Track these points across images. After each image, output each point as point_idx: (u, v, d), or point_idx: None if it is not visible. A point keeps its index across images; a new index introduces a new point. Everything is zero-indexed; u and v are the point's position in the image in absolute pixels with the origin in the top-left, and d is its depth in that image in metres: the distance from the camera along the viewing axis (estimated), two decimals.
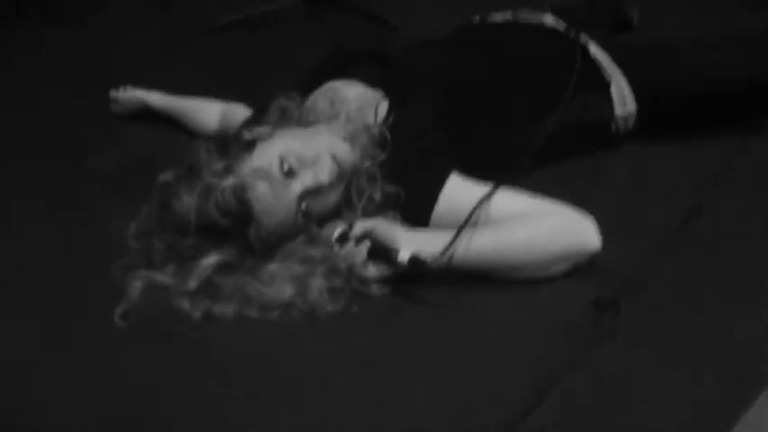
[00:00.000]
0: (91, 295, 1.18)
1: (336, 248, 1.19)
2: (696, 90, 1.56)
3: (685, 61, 1.59)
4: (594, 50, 1.57)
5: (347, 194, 1.25)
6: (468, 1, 1.82)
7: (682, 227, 1.23)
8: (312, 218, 1.21)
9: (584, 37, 1.59)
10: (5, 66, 2.33)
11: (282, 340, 1.08)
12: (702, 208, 1.29)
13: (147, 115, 1.85)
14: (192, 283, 1.14)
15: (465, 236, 1.15)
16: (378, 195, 1.24)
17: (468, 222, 1.15)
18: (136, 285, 1.16)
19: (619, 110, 1.56)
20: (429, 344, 1.05)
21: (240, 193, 1.14)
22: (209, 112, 1.73)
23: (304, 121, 1.33)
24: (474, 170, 1.28)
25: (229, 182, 1.14)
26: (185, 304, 1.13)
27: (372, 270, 1.16)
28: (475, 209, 1.17)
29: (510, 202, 1.21)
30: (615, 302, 1.04)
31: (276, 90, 1.40)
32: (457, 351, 1.03)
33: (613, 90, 1.55)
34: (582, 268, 1.16)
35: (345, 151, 1.24)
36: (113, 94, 1.88)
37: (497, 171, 1.26)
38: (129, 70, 2.14)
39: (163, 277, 1.17)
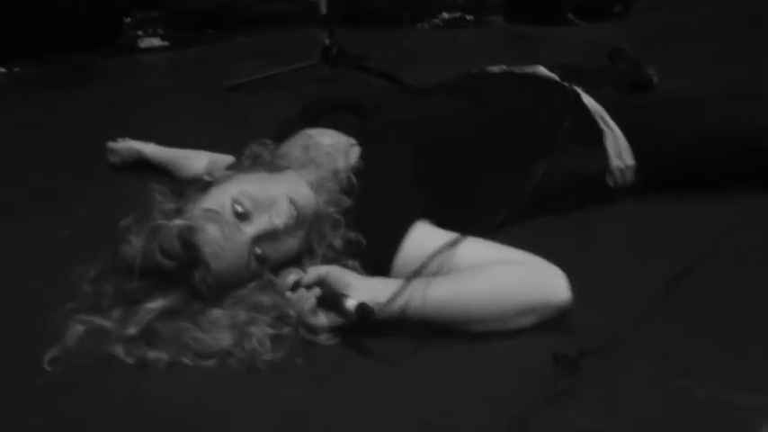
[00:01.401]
0: (31, 338, 1.13)
1: (288, 295, 1.12)
2: (697, 146, 1.47)
3: (688, 118, 1.51)
4: (588, 101, 1.50)
5: (308, 241, 1.19)
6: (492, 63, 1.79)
7: (663, 297, 1.13)
8: (267, 263, 1.15)
9: (577, 88, 1.53)
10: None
11: (213, 390, 1.00)
12: (689, 276, 1.18)
13: (143, 167, 1.84)
14: (132, 329, 1.08)
15: (422, 284, 1.06)
16: (339, 242, 1.17)
17: (422, 270, 1.07)
18: (75, 330, 1.11)
19: (614, 162, 1.48)
20: (366, 401, 0.96)
21: (187, 234, 1.08)
22: (197, 162, 1.70)
23: (275, 167, 1.28)
24: (450, 221, 1.21)
25: (176, 223, 1.09)
26: (119, 350, 1.07)
27: (322, 318, 1.09)
28: (431, 257, 1.09)
29: (476, 252, 1.13)
30: (574, 360, 0.94)
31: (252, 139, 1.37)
32: (395, 408, 0.94)
33: (608, 142, 1.47)
34: (549, 325, 1.06)
35: (306, 196, 1.18)
36: (110, 144, 1.88)
37: (473, 223, 1.19)
38: (144, 127, 2.17)
39: (105, 322, 1.12)
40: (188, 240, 1.08)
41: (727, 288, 1.19)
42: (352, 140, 1.33)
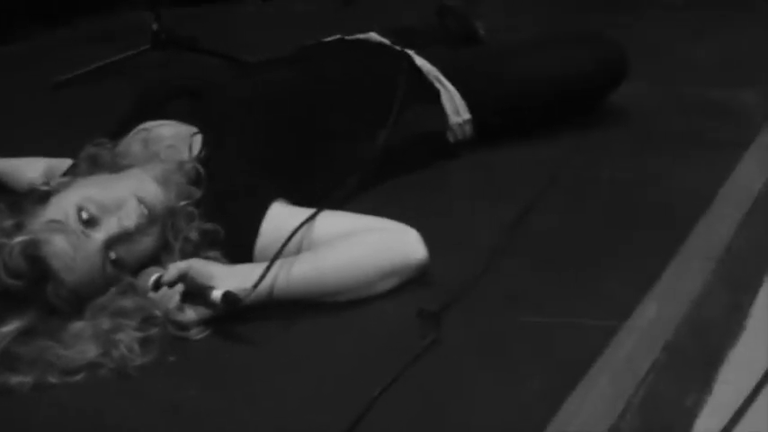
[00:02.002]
0: None
1: (151, 295, 1.10)
2: (524, 90, 1.56)
3: (510, 63, 1.60)
4: (421, 63, 1.55)
5: (164, 237, 1.17)
6: (326, 33, 1.80)
7: (509, 233, 1.21)
8: (124, 267, 1.13)
9: (410, 50, 1.58)
10: None
11: (90, 401, 0.98)
12: (532, 212, 1.27)
13: None
14: None
15: (285, 264, 1.08)
16: (195, 235, 1.17)
17: (282, 250, 1.09)
18: None
19: (453, 119, 1.55)
20: (248, 387, 0.97)
21: (32, 250, 1.04)
22: (31, 170, 1.61)
23: (117, 167, 1.24)
24: (303, 196, 1.23)
25: (18, 239, 1.04)
26: None
27: (189, 313, 1.08)
28: (289, 237, 1.11)
29: (332, 224, 1.16)
30: (436, 314, 0.99)
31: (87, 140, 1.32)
32: (274, 391, 0.96)
33: (444, 100, 1.54)
34: (411, 282, 1.11)
35: (154, 193, 1.16)
36: None
37: (326, 195, 1.22)
38: None
39: None
40: (34, 256, 1.04)
41: (564, 220, 1.29)
42: (193, 128, 1.31)
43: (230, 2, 3.76)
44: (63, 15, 3.63)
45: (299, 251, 1.13)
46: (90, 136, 1.94)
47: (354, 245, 1.11)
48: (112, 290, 1.12)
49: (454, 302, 1.03)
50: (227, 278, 1.08)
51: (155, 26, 2.60)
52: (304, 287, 1.09)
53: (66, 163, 1.59)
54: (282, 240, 1.13)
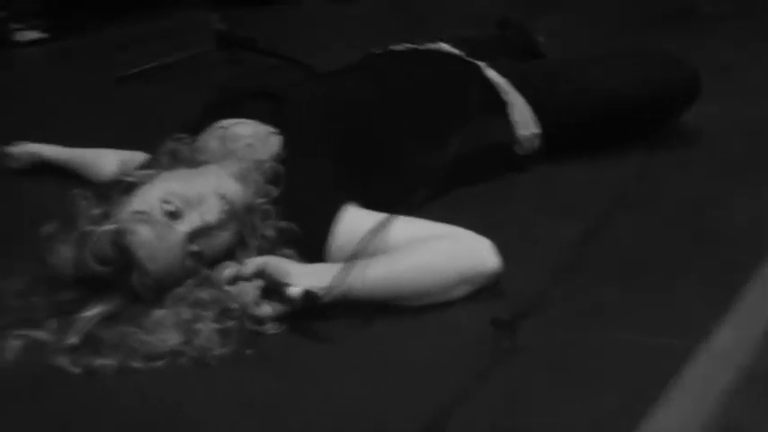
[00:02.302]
0: None
1: (228, 289, 1.13)
2: (594, 107, 1.57)
3: (581, 79, 1.61)
4: (491, 74, 1.57)
5: (240, 234, 1.20)
6: (383, 38, 1.82)
7: (581, 248, 1.21)
8: (202, 260, 1.16)
9: (480, 62, 1.59)
10: None
11: (169, 390, 1.00)
12: (603, 228, 1.27)
13: (44, 170, 1.78)
14: (73, 338, 1.07)
15: (360, 266, 1.10)
16: (271, 233, 1.19)
17: (360, 252, 1.11)
18: (12, 345, 1.08)
19: (521, 132, 1.56)
20: (323, 384, 0.99)
21: (118, 238, 1.07)
22: (106, 162, 1.66)
23: (195, 162, 1.28)
24: (374, 202, 1.25)
25: (106, 228, 1.08)
26: (64, 361, 1.05)
27: (266, 308, 1.11)
28: (366, 238, 1.13)
29: (406, 229, 1.17)
30: (512, 323, 1.00)
31: (167, 134, 1.35)
32: (347, 390, 0.97)
33: (513, 112, 1.55)
34: (484, 291, 1.12)
35: (234, 189, 1.19)
36: (6, 149, 1.80)
37: (398, 202, 1.24)
38: (31, 125, 2.08)
39: (42, 334, 1.09)
40: (121, 244, 1.08)
41: (636, 237, 1.30)
42: (271, 129, 1.34)
43: (287, 3, 3.81)
44: (122, 13, 3.72)
45: (372, 254, 1.14)
46: (150, 131, 2.01)
47: (430, 250, 1.13)
48: (190, 281, 1.15)
49: (528, 313, 1.04)
50: (303, 276, 1.11)
51: (220, 26, 2.65)
52: (379, 289, 1.11)
53: (137, 156, 1.63)
54: (355, 242, 1.15)
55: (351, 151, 1.33)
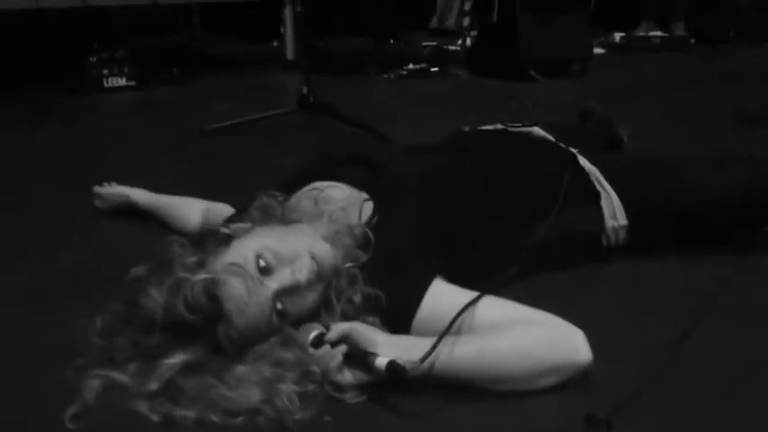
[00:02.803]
0: (43, 397, 1.09)
1: (311, 352, 1.12)
2: (685, 206, 1.54)
3: (677, 178, 1.58)
4: (583, 162, 1.56)
5: (326, 296, 1.19)
6: (456, 114, 1.83)
7: (675, 347, 1.17)
8: (287, 318, 1.15)
9: (573, 149, 1.59)
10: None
11: None
12: (696, 327, 1.23)
13: (129, 213, 1.82)
14: (154, 384, 1.06)
15: (447, 343, 1.08)
16: (357, 298, 1.18)
17: (450, 329, 1.09)
18: (92, 385, 1.08)
19: (609, 222, 1.53)
20: None
21: (211, 288, 1.08)
22: (191, 210, 1.69)
23: (287, 220, 1.29)
24: (459, 278, 1.24)
25: (200, 277, 1.08)
26: (143, 407, 1.05)
27: (348, 376, 1.09)
28: (458, 314, 1.11)
29: (496, 310, 1.15)
30: (606, 421, 0.96)
31: (259, 189, 1.37)
32: None
33: (603, 203, 1.53)
34: (571, 383, 1.09)
35: (326, 251, 1.19)
36: (97, 189, 1.85)
37: (483, 279, 1.22)
38: (118, 169, 2.14)
39: (123, 377, 1.09)
40: (213, 294, 1.08)
41: (728, 343, 1.25)
42: (364, 195, 1.35)
43: (367, 75, 3.90)
44: (205, 67, 3.85)
45: (457, 332, 1.12)
46: (232, 183, 2.05)
47: (522, 335, 1.10)
48: (273, 339, 1.14)
49: (620, 410, 1.00)
50: (390, 347, 1.09)
51: (303, 89, 2.72)
52: (465, 368, 1.08)
53: (222, 207, 1.66)
54: (442, 317, 1.14)
55: (441, 226, 1.32)
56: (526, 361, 1.08)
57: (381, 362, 1.04)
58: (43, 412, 1.06)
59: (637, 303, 1.42)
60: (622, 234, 1.55)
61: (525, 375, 1.08)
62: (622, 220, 1.54)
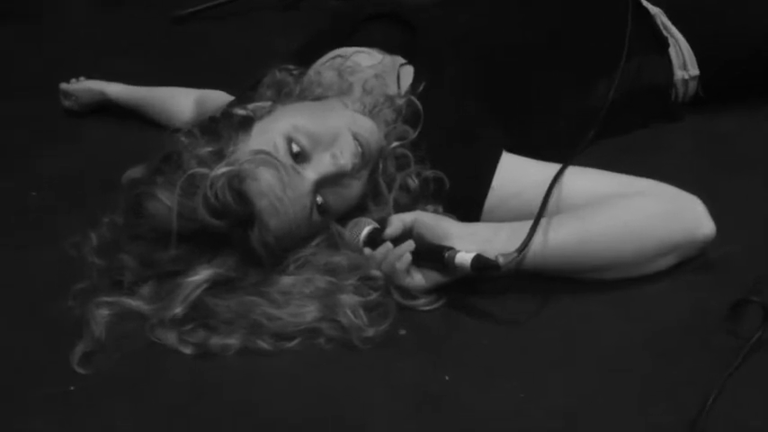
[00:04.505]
0: (41, 335, 0.87)
1: (367, 252, 0.90)
2: (759, 45, 1.30)
3: (743, 13, 1.34)
4: (647, 4, 1.31)
5: (374, 183, 0.97)
6: None
7: None
8: (330, 214, 0.93)
9: None
10: None
11: (308, 380, 0.78)
12: None
13: (105, 110, 1.55)
14: (178, 309, 0.84)
15: (539, 228, 0.87)
16: (413, 182, 0.96)
17: (543, 210, 0.88)
18: (100, 315, 0.86)
19: (678, 74, 1.30)
20: (506, 375, 0.77)
21: (237, 183, 0.84)
22: (181, 101, 1.44)
23: (308, 98, 1.04)
24: (519, 148, 1.01)
25: (222, 170, 0.84)
26: (170, 337, 0.83)
27: (419, 278, 0.88)
28: (550, 189, 0.90)
29: (585, 181, 0.94)
30: (765, 306, 0.77)
31: (267, 66, 1.11)
32: (543, 383, 0.75)
33: (671, 51, 1.29)
34: (691, 262, 0.89)
35: (370, 128, 0.95)
36: (64, 86, 1.57)
37: (547, 148, 1.00)
38: (84, 65, 1.85)
39: (137, 302, 0.88)
40: (240, 191, 0.84)
41: None
42: (400, 59, 1.10)
43: None
44: None
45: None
46: (214, 71, 1.78)
47: (627, 209, 0.89)
48: (316, 241, 0.92)
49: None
50: (466, 238, 0.88)
51: None
52: (564, 256, 0.87)
53: (217, 94, 1.41)
54: (516, 197, 0.94)
55: (497, 88, 1.09)
56: (640, 239, 0.87)
57: (464, 257, 0.83)
58: (43, 355, 0.84)
59: (724, 164, 1.21)
60: (692, 86, 1.33)
61: (639, 257, 0.88)
62: (693, 70, 1.31)
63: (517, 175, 0.97)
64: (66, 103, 1.58)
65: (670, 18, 1.31)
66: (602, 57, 1.21)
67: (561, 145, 1.05)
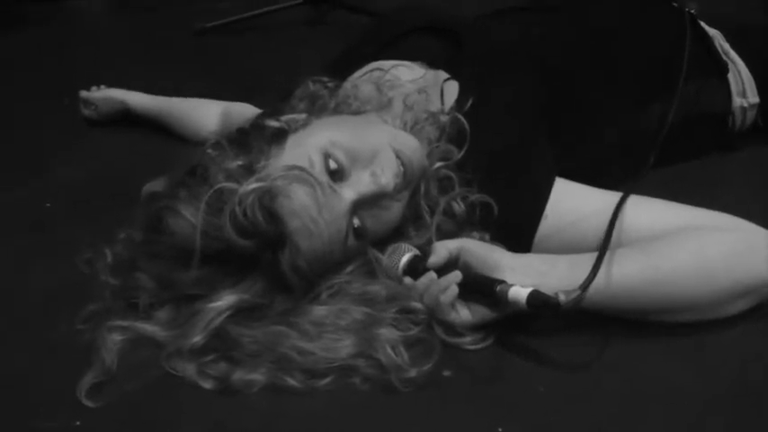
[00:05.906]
0: (46, 361, 0.79)
1: (407, 282, 0.82)
2: None
3: None
4: (705, 26, 1.23)
5: (414, 206, 0.88)
6: None
7: None
8: (366, 239, 0.84)
9: (691, 10, 1.25)
10: None
11: (341, 425, 0.69)
12: None
13: (125, 119, 1.48)
14: (198, 337, 0.76)
15: (608, 262, 0.78)
16: (458, 207, 0.87)
17: (608, 243, 0.79)
18: (111, 341, 0.78)
19: (736, 101, 1.22)
20: (566, 429, 0.68)
21: (268, 201, 0.76)
22: (205, 113, 1.36)
23: (344, 111, 0.96)
24: (570, 173, 0.93)
25: (252, 186, 0.76)
26: (188, 369, 0.75)
27: (466, 313, 0.79)
28: (613, 221, 0.81)
29: (652, 212, 0.86)
30: None
31: (299, 77, 1.03)
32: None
33: (730, 76, 1.21)
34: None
35: (413, 146, 0.87)
36: (84, 94, 1.51)
37: (601, 174, 0.92)
38: (105, 73, 1.78)
39: (153, 328, 0.79)
40: (271, 209, 0.76)
41: None
42: (443, 73, 1.02)
43: None
44: None
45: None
46: (238, 85, 1.71)
47: (700, 244, 0.80)
48: (350, 267, 0.84)
49: None
50: (520, 270, 0.79)
51: None
52: (630, 295, 0.78)
53: (244, 107, 1.35)
54: (575, 226, 0.86)
55: (548, 107, 1.01)
56: (714, 280, 0.78)
57: (519, 292, 0.74)
58: (48, 383, 0.76)
59: None
60: (751, 115, 1.24)
61: (713, 299, 0.79)
62: (753, 98, 1.23)
63: (573, 203, 0.88)
64: (86, 111, 1.51)
65: (729, 41, 1.23)
66: (657, 78, 1.13)
67: (607, 171, 0.98)
